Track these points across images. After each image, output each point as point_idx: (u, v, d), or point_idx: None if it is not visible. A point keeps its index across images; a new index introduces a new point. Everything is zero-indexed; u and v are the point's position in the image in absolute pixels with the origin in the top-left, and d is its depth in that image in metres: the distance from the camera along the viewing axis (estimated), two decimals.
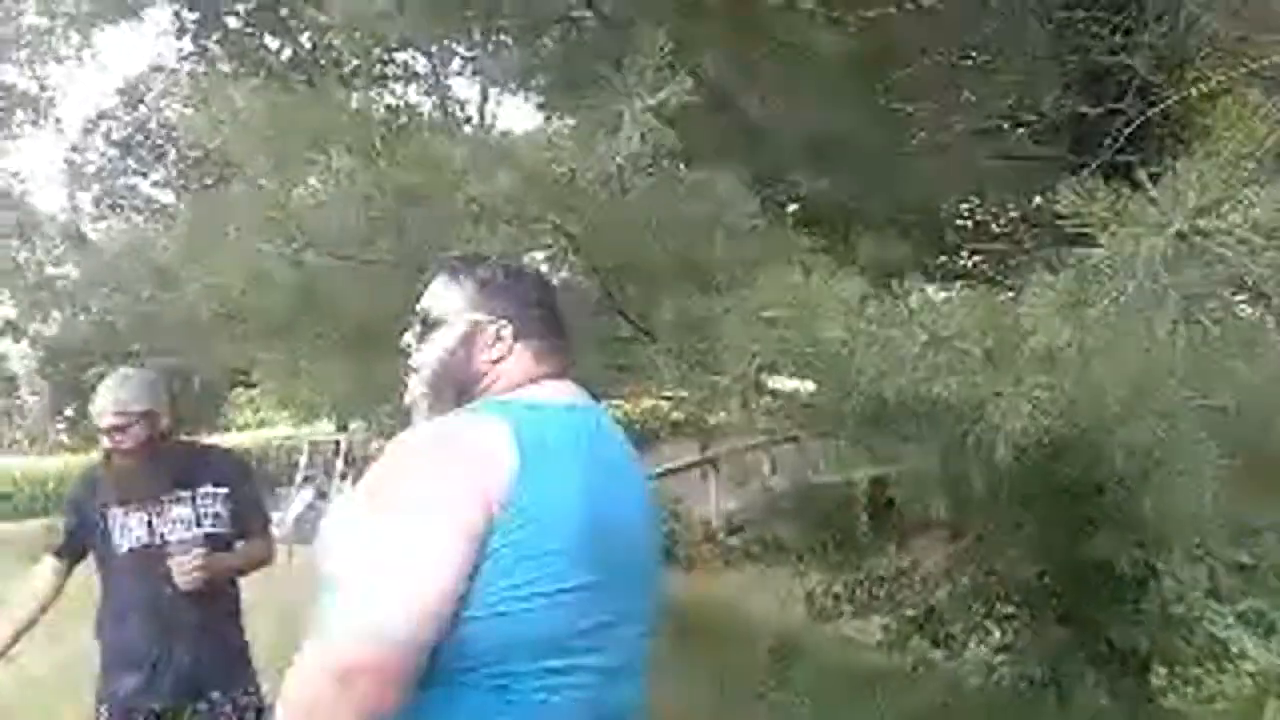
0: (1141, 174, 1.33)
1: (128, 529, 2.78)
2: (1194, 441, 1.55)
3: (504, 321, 1.53)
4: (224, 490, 2.85)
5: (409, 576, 1.21)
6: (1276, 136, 1.20)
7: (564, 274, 2.86)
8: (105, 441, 2.72)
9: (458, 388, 1.51)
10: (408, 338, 1.56)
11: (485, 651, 1.25)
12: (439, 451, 1.33)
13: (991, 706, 3.96)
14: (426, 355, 1.54)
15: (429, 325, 1.54)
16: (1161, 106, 3.22)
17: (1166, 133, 3.41)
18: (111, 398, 2.69)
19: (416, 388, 1.53)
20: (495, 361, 1.52)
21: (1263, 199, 1.15)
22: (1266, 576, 4.32)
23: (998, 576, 3.98)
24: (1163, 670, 3.90)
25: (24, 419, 29.03)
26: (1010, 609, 4.05)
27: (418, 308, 1.56)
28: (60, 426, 24.43)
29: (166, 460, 2.79)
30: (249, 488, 2.98)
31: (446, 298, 1.56)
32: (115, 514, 2.77)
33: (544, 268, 3.29)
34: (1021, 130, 4.13)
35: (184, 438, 3.06)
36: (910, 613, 4.47)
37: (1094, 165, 2.98)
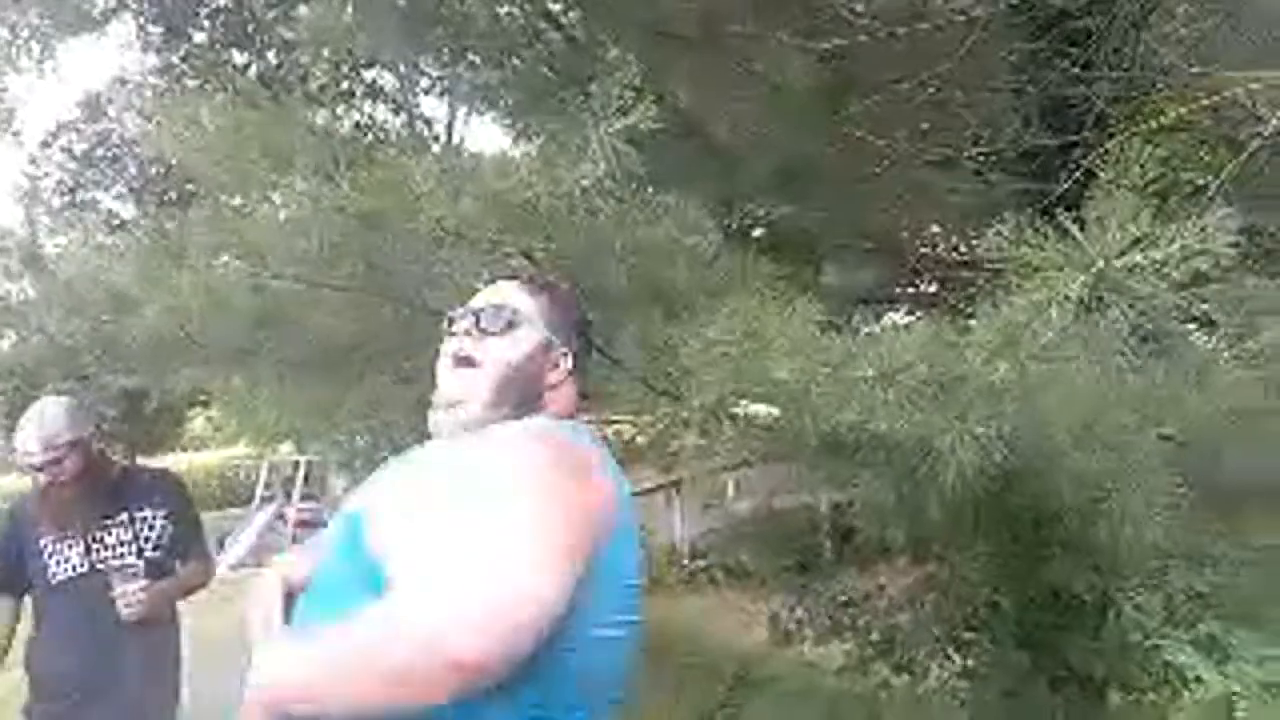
0: (1062, 216, 1.36)
1: (63, 558, 2.71)
2: (1144, 471, 1.58)
3: (566, 349, 1.54)
4: (163, 512, 2.80)
5: (538, 583, 1.10)
6: (1174, 175, 1.24)
7: None
8: (41, 476, 2.66)
9: (521, 398, 1.47)
10: (465, 325, 1.49)
11: (554, 681, 1.18)
12: (566, 463, 1.27)
13: None
14: (498, 354, 1.47)
15: (502, 321, 1.49)
16: (1119, 139, 3.29)
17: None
18: (37, 434, 2.63)
19: (479, 385, 1.45)
20: (553, 385, 1.51)
21: (1180, 234, 1.18)
22: (1221, 603, 4.38)
23: (958, 602, 4.01)
24: (1118, 696, 3.93)
25: None
26: (971, 634, 4.07)
27: (485, 302, 1.52)
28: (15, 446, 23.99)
29: (103, 485, 2.73)
30: (188, 509, 2.92)
31: (523, 302, 1.53)
32: (50, 543, 2.71)
33: None
34: (983, 161, 4.20)
35: (119, 459, 3.01)
36: (873, 638, 4.48)
37: (1049, 199, 3.04)
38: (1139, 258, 1.17)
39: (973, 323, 1.42)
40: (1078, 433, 1.37)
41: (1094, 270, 1.20)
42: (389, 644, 1.08)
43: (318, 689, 1.13)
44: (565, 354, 1.54)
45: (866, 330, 1.49)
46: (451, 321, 1.53)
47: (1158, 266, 1.17)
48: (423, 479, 1.34)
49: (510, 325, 1.50)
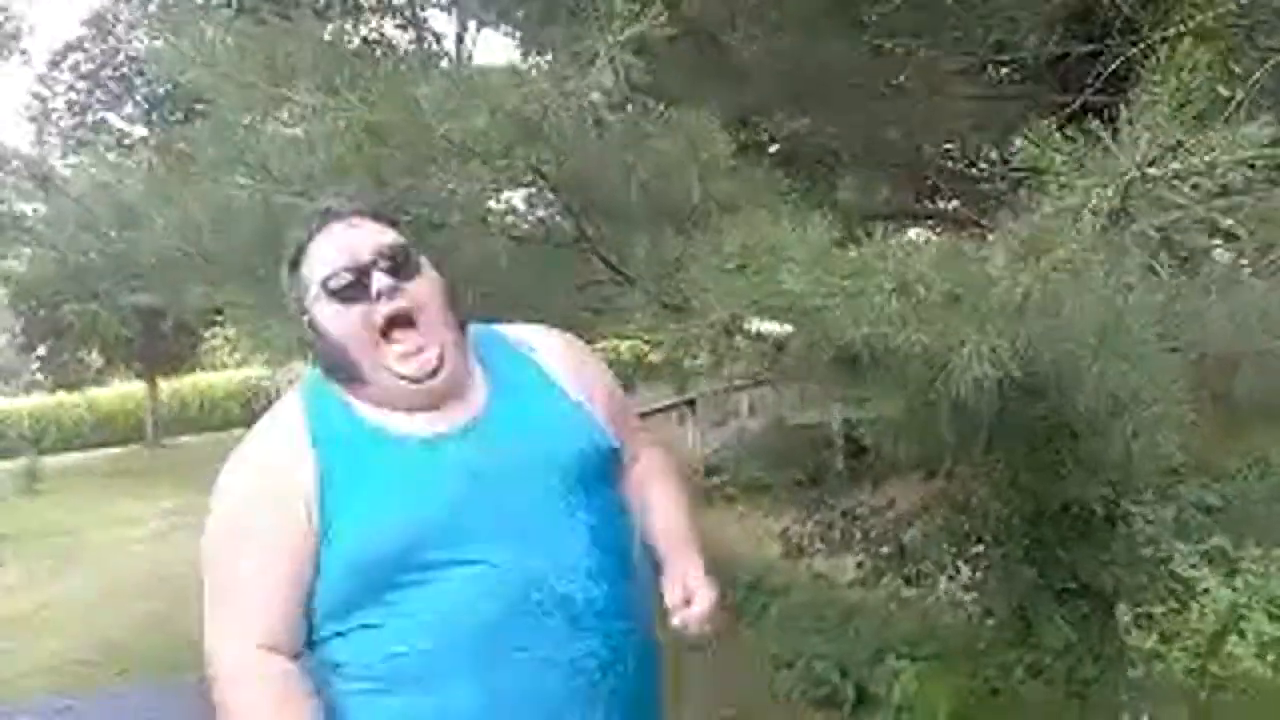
0: (1096, 123, 1.32)
1: None
2: (1161, 384, 1.57)
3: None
4: None
5: None
6: (1208, 85, 1.20)
7: (540, 214, 2.84)
8: None
9: (460, 325, 1.47)
10: (384, 280, 1.37)
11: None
12: None
13: (962, 642, 4.05)
14: (429, 290, 1.42)
15: (408, 258, 1.42)
16: (1144, 45, 3.19)
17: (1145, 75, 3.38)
18: None
19: (436, 334, 1.40)
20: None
21: (1217, 143, 1.15)
22: (1232, 517, 4.42)
23: (969, 516, 4.04)
24: (1128, 608, 3.99)
25: None
26: (980, 548, 4.12)
27: (374, 247, 1.41)
28: (34, 366, 24.24)
29: None
30: None
31: (390, 234, 1.46)
32: None
33: (520, 207, 3.26)
34: (1005, 70, 4.09)
35: None
36: (883, 551, 4.54)
37: (1075, 105, 2.97)
38: (1174, 166, 1.14)
39: (992, 235, 1.39)
40: (1096, 345, 1.35)
41: (1125, 178, 1.17)
42: None
43: None
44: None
45: (883, 244, 1.46)
46: (349, 287, 1.39)
47: (1189, 176, 1.14)
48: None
49: (416, 259, 1.44)
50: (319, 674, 1.39)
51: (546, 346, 1.57)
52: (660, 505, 1.59)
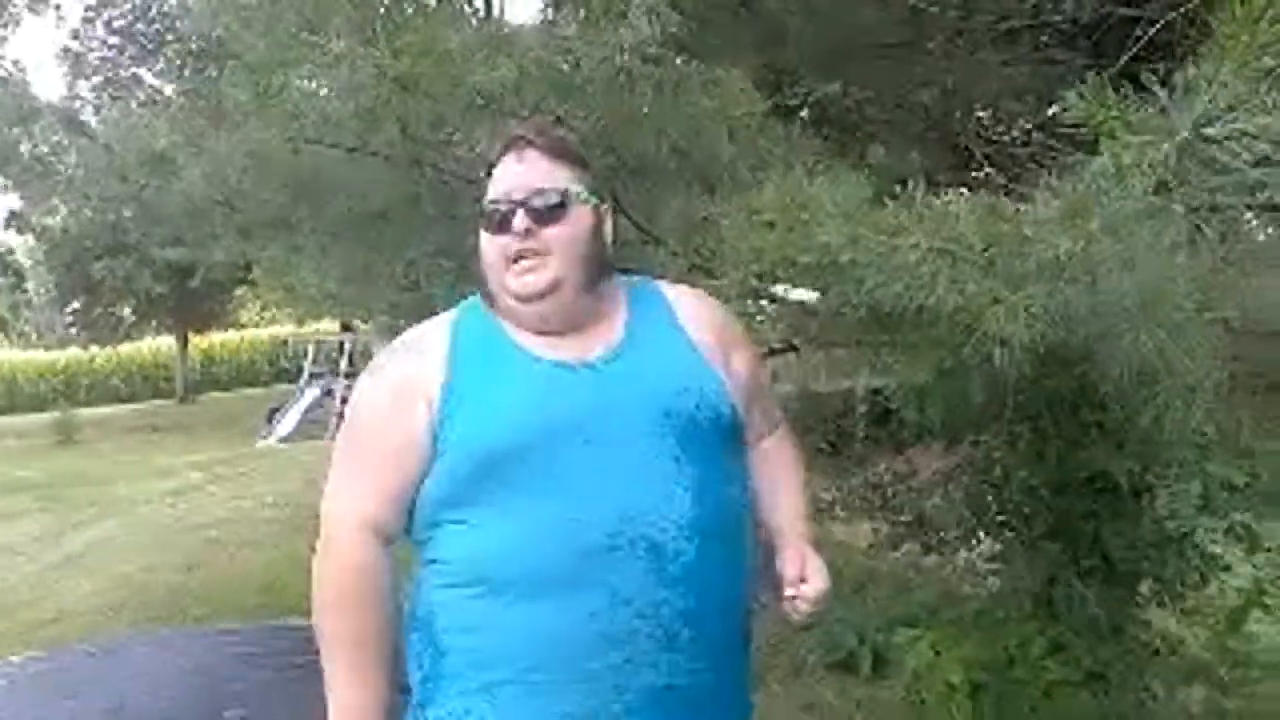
0: (1151, 79, 1.29)
1: None
2: (1197, 355, 1.54)
3: (605, 203, 1.57)
4: None
5: None
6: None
7: None
8: None
9: (604, 270, 1.53)
10: (523, 221, 1.45)
11: None
12: None
13: (980, 613, 4.05)
14: (565, 236, 1.47)
15: (556, 205, 1.47)
16: (1185, 9, 3.11)
17: (1190, 39, 3.30)
18: None
19: (559, 270, 1.46)
20: (610, 244, 1.57)
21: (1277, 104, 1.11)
22: (1257, 493, 4.37)
23: (992, 486, 4.02)
24: (1150, 583, 3.97)
25: (30, 312, 29.15)
26: (1003, 518, 4.10)
27: (533, 187, 1.47)
28: (68, 319, 24.56)
29: None
30: None
31: (558, 176, 1.50)
32: None
33: None
34: (1041, 35, 4.01)
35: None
36: (904, 518, 4.54)
37: (1113, 71, 2.90)
38: (1233, 127, 1.11)
39: (1037, 195, 1.36)
40: (1134, 312, 1.32)
41: (1179, 138, 1.14)
42: None
43: None
44: (606, 208, 1.57)
45: (919, 202, 1.43)
46: (499, 220, 1.48)
47: (1245, 138, 1.11)
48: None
49: (563, 207, 1.48)
50: (418, 570, 1.49)
51: (695, 308, 1.60)
52: (788, 488, 1.64)
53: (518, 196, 1.47)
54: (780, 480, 1.64)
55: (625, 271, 1.68)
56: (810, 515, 1.64)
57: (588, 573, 1.34)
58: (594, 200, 1.52)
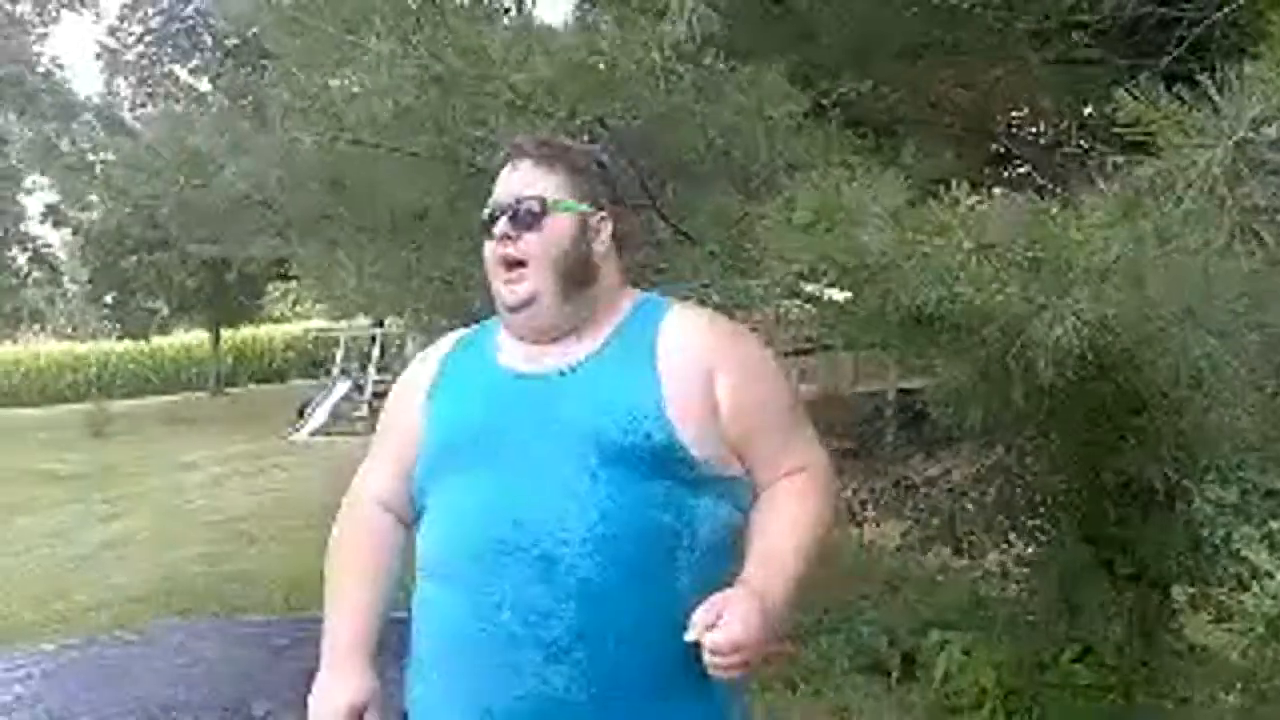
0: (1205, 80, 1.27)
1: None
2: (1245, 361, 1.51)
3: (602, 213, 1.55)
4: None
5: None
6: None
7: None
8: None
9: (586, 279, 1.52)
10: (503, 227, 1.49)
11: None
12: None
13: (1011, 616, 4.02)
14: (540, 246, 1.49)
15: (533, 213, 1.49)
16: (1228, 10, 3.06)
17: (1232, 40, 3.25)
18: None
19: (537, 283, 1.49)
20: (603, 255, 1.55)
21: None
22: None
23: (1025, 489, 3.98)
24: (1185, 591, 3.92)
25: (66, 304, 29.57)
26: (1035, 521, 4.06)
27: (514, 194, 1.51)
28: (103, 313, 24.88)
29: None
30: None
31: (542, 184, 1.52)
32: None
33: None
34: (1078, 34, 3.96)
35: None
36: (934, 520, 4.50)
37: (1153, 72, 2.86)
38: None
39: (1084, 197, 1.34)
40: (1182, 315, 1.30)
41: (1234, 139, 1.12)
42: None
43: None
44: (603, 219, 1.55)
45: (962, 203, 1.41)
46: (488, 223, 1.53)
47: None
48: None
49: (541, 214, 1.50)
50: None
51: (686, 333, 1.52)
52: (772, 532, 1.47)
53: (504, 203, 1.51)
54: (770, 526, 1.48)
55: (664, 284, 1.66)
56: (793, 560, 1.44)
57: (479, 574, 1.40)
58: (578, 208, 1.52)
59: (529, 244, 1.49)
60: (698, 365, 1.47)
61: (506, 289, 1.51)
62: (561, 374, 1.49)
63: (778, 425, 1.53)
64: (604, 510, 1.38)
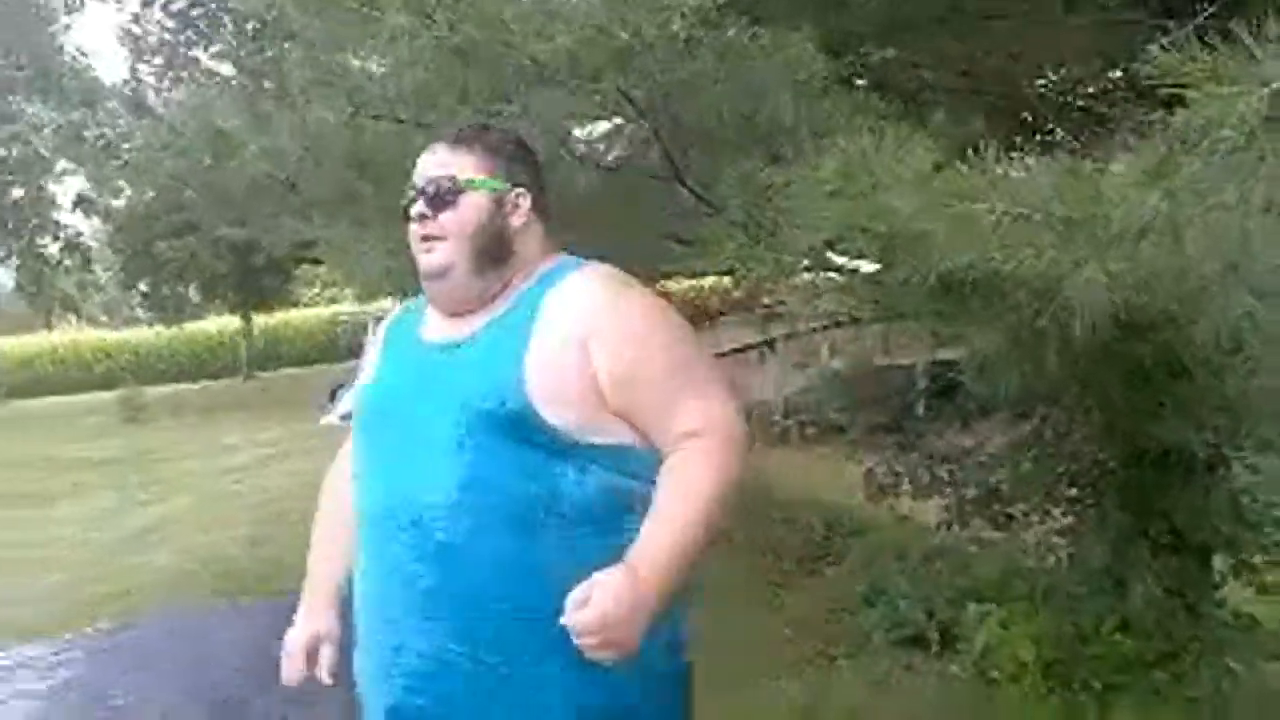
0: (1240, 30, 1.22)
1: None
2: None
3: (521, 189, 1.60)
4: None
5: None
6: None
7: (624, 141, 2.79)
8: None
9: (500, 254, 1.57)
10: (420, 207, 1.56)
11: None
12: (671, 309, 1.61)
13: (1051, 588, 3.97)
14: (455, 223, 1.55)
15: (448, 192, 1.55)
16: None
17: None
18: None
19: (452, 254, 1.55)
20: (519, 230, 1.59)
21: None
22: None
23: (1062, 459, 3.93)
24: (1224, 560, 3.85)
25: (100, 293, 29.94)
26: (1073, 492, 4.01)
27: (428, 176, 1.57)
28: (134, 300, 25.15)
29: None
30: None
31: (457, 163, 1.58)
32: None
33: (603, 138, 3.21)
34: None
35: None
36: (970, 493, 4.45)
37: (1186, 30, 2.78)
38: None
39: (1117, 155, 1.29)
40: (1221, 274, 1.26)
41: (1272, 87, 1.07)
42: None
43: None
44: (521, 194, 1.60)
45: (993, 166, 1.37)
46: (405, 206, 1.60)
47: None
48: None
49: (454, 193, 1.55)
50: None
51: (569, 301, 1.53)
52: (660, 507, 1.43)
53: (418, 185, 1.58)
54: (660, 501, 1.43)
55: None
56: (671, 544, 1.38)
57: (376, 539, 1.53)
58: (491, 186, 1.57)
59: (444, 222, 1.55)
60: (574, 332, 1.49)
61: (422, 259, 1.58)
62: (457, 345, 1.56)
63: (663, 390, 1.50)
64: (465, 478, 1.44)
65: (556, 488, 1.45)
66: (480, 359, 1.51)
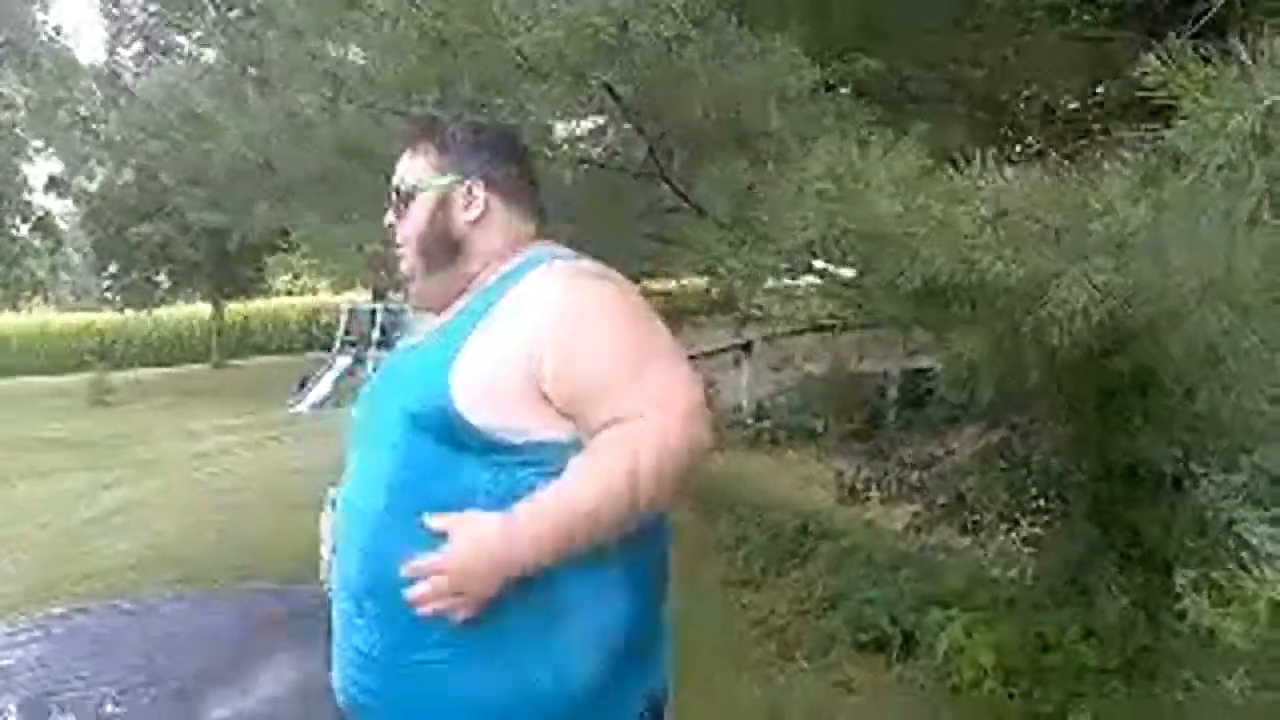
0: (1237, 44, 1.23)
1: None
2: (1263, 339, 1.48)
3: (473, 180, 1.56)
4: None
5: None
6: None
7: (608, 139, 2.78)
8: None
9: (447, 254, 1.57)
10: (389, 217, 1.60)
11: None
12: (631, 297, 1.52)
13: (1014, 596, 4.00)
14: (408, 229, 1.58)
15: (403, 199, 1.58)
16: None
17: (1253, 15, 3.19)
18: None
19: (407, 261, 1.59)
20: (475, 222, 1.56)
21: None
22: None
23: (1031, 469, 3.96)
24: (1188, 574, 3.90)
25: (70, 275, 29.53)
26: (1041, 502, 4.04)
27: (394, 184, 1.59)
28: (105, 284, 24.83)
29: None
30: None
31: (412, 168, 1.58)
32: None
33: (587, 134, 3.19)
34: (1094, 11, 3.90)
35: None
36: (939, 500, 4.48)
37: (1182, 41, 2.81)
38: None
39: (1105, 166, 1.30)
40: (1202, 289, 1.26)
41: (1264, 105, 1.08)
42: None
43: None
44: (472, 186, 1.56)
45: (977, 172, 1.37)
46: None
47: None
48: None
49: (407, 199, 1.58)
50: None
51: (521, 296, 1.49)
52: (554, 486, 1.41)
53: (391, 193, 1.61)
54: (565, 474, 1.41)
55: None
56: (552, 513, 1.37)
57: (340, 539, 1.55)
58: (436, 185, 1.56)
59: (402, 229, 1.59)
60: (521, 332, 1.44)
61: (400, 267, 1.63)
62: (415, 345, 1.60)
63: (601, 388, 1.43)
64: (393, 480, 1.46)
65: (473, 487, 1.42)
66: (418, 360, 1.55)
